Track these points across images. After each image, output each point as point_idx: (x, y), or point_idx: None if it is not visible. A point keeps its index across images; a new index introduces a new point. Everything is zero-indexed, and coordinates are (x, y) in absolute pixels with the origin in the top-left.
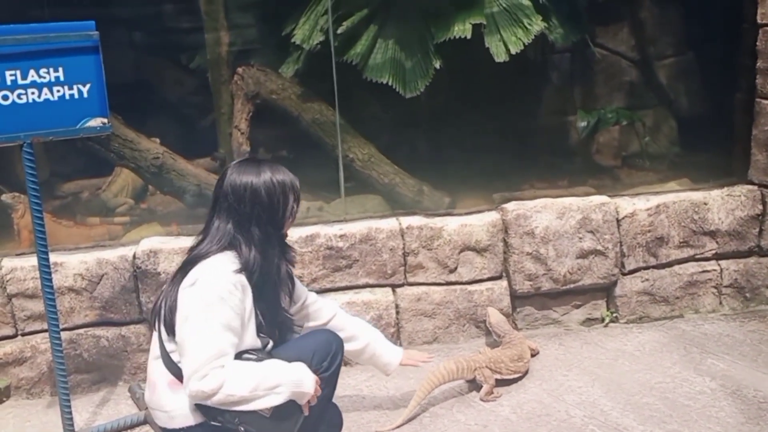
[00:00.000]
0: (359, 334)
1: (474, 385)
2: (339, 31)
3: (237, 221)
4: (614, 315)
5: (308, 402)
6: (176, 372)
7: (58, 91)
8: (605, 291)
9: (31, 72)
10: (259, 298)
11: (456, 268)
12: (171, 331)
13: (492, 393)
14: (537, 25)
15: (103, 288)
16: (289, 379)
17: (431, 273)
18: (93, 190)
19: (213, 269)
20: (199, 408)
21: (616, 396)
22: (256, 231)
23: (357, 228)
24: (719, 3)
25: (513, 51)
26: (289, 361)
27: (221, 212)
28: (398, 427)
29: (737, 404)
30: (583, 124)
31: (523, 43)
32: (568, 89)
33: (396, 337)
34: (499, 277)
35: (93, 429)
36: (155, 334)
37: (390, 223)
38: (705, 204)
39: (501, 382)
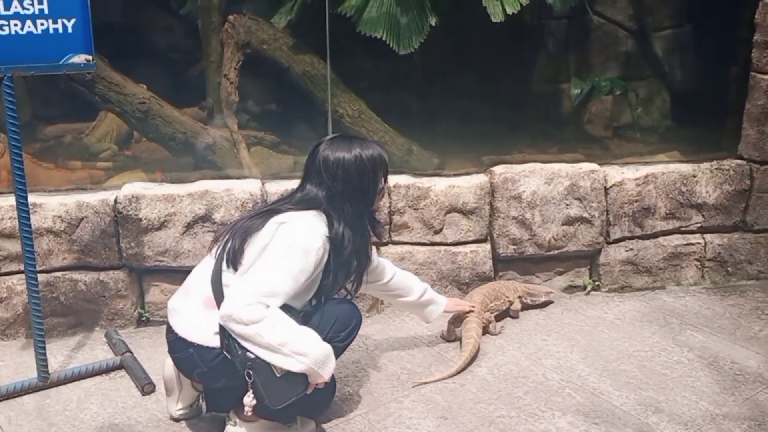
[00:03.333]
0: (414, 288)
1: (453, 343)
2: None
3: (329, 197)
4: (596, 283)
5: (316, 385)
6: (218, 296)
7: (42, 24)
8: (589, 259)
9: (15, 3)
10: (331, 271)
11: (441, 229)
12: (233, 260)
13: (497, 327)
14: None
15: (83, 231)
16: (315, 355)
17: (416, 233)
18: (76, 135)
19: (308, 221)
20: (220, 334)
21: (594, 362)
22: (348, 208)
23: None
24: None
25: (509, 11)
26: (311, 322)
27: (313, 184)
28: (450, 377)
29: (713, 375)
30: (577, 91)
31: (521, 4)
32: (563, 56)
33: None
34: (484, 240)
35: (67, 371)
36: (213, 251)
37: None
38: (694, 176)
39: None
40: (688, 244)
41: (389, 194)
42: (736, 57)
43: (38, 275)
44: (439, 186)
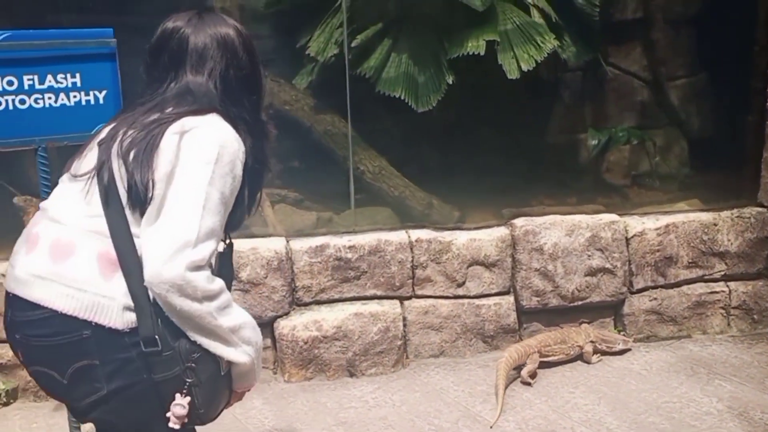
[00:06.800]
0: None
1: (479, 398)
2: (353, 44)
3: (222, 90)
4: (622, 333)
5: (242, 393)
6: (126, 253)
7: (75, 96)
8: (613, 309)
9: (49, 77)
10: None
11: (464, 282)
12: (138, 200)
13: (534, 375)
14: (550, 43)
15: None
16: (258, 346)
17: (439, 286)
18: None
19: (216, 124)
20: (143, 317)
21: (622, 414)
22: (246, 103)
23: (366, 240)
24: (731, 25)
25: (525, 68)
26: None
27: (194, 76)
28: (500, 416)
29: (744, 426)
30: (594, 142)
31: (536, 61)
32: (579, 108)
33: (403, 350)
34: (507, 293)
35: None
36: (81, 190)
37: (399, 236)
38: (714, 225)
39: (546, 365)
40: (712, 293)
41: (411, 248)
42: (750, 105)
43: None
44: (461, 239)
